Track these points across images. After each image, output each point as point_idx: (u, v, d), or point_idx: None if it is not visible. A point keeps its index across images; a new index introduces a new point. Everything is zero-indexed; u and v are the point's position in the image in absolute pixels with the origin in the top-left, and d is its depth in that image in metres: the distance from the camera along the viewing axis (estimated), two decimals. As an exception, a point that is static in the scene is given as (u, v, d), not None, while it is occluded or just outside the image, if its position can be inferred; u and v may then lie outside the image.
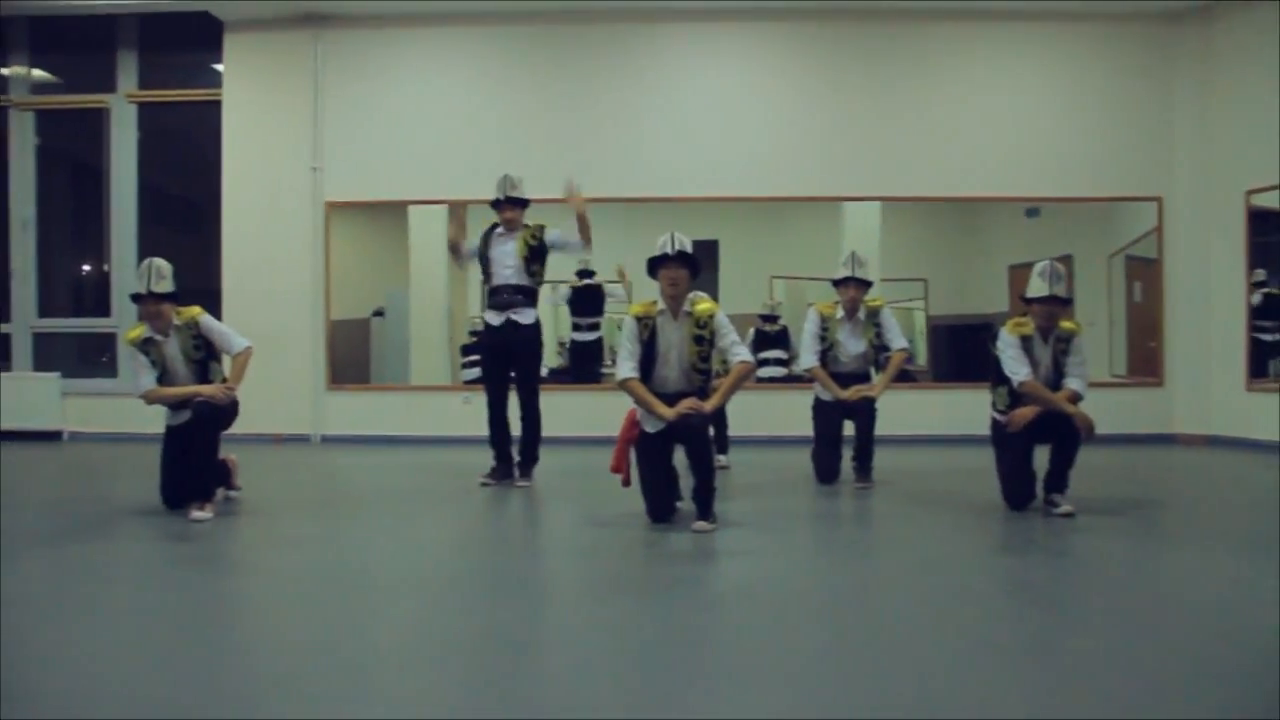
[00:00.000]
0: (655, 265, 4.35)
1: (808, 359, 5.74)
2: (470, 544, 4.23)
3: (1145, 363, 8.60)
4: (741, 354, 4.33)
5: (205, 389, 4.61)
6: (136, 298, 4.60)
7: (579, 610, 3.03)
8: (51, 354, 9.08)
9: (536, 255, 5.59)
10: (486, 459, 5.75)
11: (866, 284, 5.70)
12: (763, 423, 8.01)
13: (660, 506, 4.37)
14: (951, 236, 9.12)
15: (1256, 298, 7.92)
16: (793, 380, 8.40)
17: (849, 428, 5.68)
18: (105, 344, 9.17)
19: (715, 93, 8.59)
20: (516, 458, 5.69)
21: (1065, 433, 4.53)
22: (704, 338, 4.35)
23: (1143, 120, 8.49)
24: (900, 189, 8.48)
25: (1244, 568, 3.51)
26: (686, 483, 4.42)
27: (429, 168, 8.54)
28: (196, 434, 4.56)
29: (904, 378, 6.72)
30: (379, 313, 9.07)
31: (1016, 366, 4.55)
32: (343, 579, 3.41)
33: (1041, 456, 4.68)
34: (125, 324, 8.33)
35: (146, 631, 2.76)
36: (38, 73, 9.34)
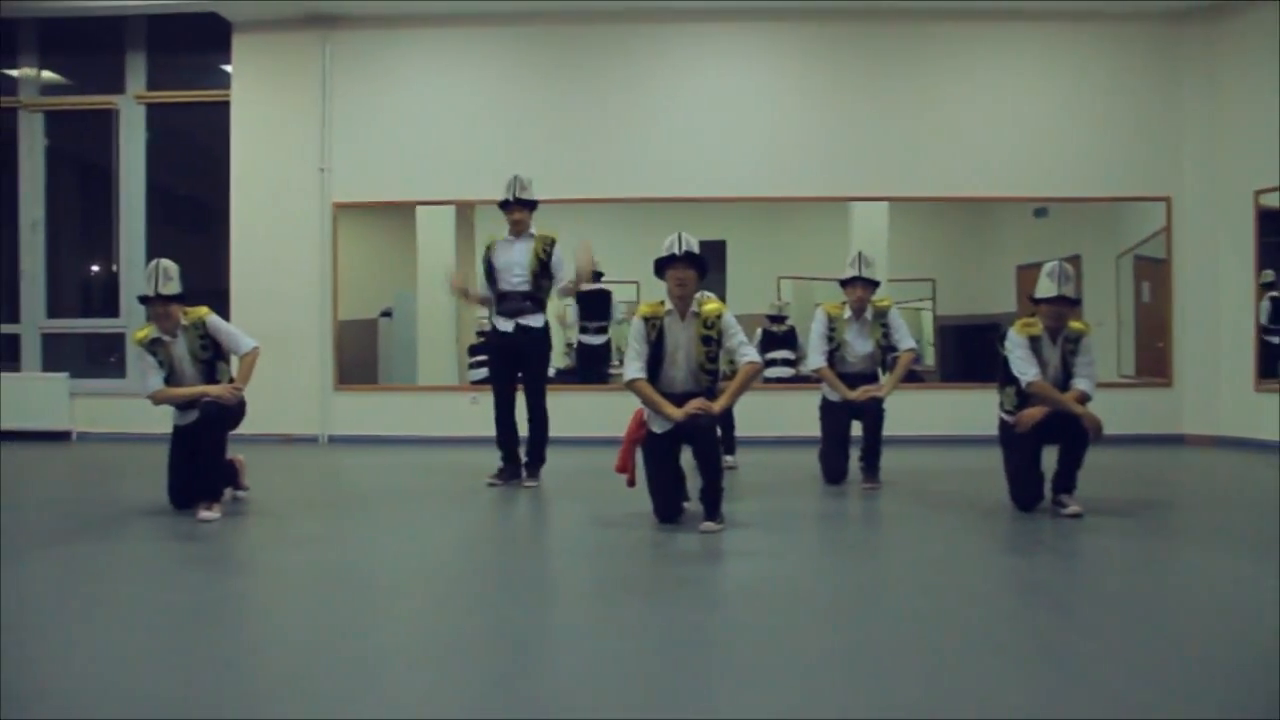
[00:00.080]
0: (663, 266, 4.35)
1: (815, 359, 5.72)
2: (477, 544, 4.23)
3: (1154, 363, 8.57)
4: (749, 354, 4.32)
5: (213, 389, 4.62)
6: (144, 300, 4.62)
7: (586, 610, 3.02)
8: (60, 354, 9.13)
9: (545, 270, 5.58)
10: (493, 459, 5.75)
11: (874, 284, 5.68)
12: (770, 423, 8.01)
13: (667, 507, 4.36)
14: (959, 237, 9.10)
15: (1265, 305, 7.88)
16: (800, 381, 8.39)
17: (857, 428, 5.66)
18: (114, 344, 9.20)
19: (723, 93, 8.59)
20: (524, 458, 5.69)
21: (1073, 433, 4.51)
22: (711, 338, 4.34)
23: (1151, 120, 8.47)
24: (908, 189, 8.46)
25: (1252, 569, 3.49)
26: (694, 483, 4.41)
27: (436, 168, 8.56)
28: (204, 434, 4.57)
29: (912, 378, 6.71)
30: (386, 313, 9.08)
31: (1025, 367, 4.53)
32: (350, 579, 3.41)
33: (1049, 457, 4.67)
34: (134, 324, 8.36)
35: (154, 631, 2.76)
36: (47, 74, 9.39)
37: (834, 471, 5.67)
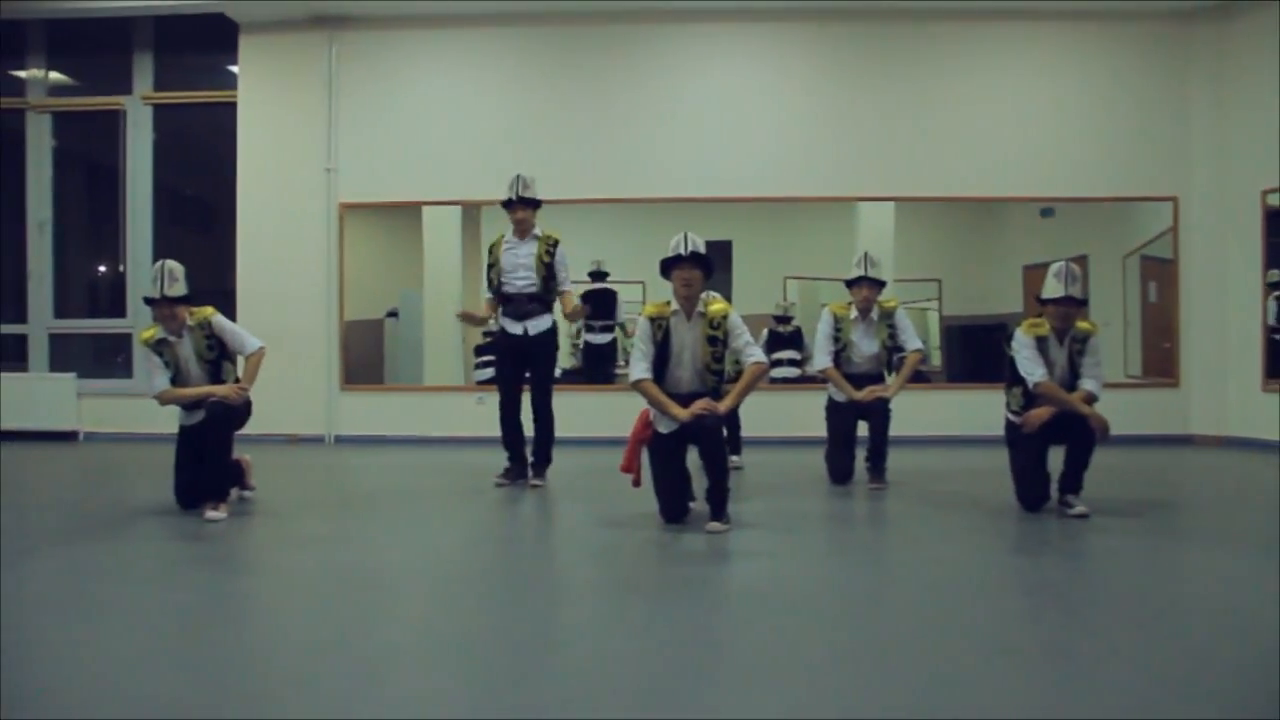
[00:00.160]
0: (668, 266, 4.35)
1: (821, 359, 5.72)
2: (484, 544, 4.24)
3: (1160, 363, 8.54)
4: (755, 355, 4.32)
5: (219, 389, 4.63)
6: (150, 301, 4.63)
7: (592, 610, 3.03)
8: (67, 355, 9.15)
9: (551, 272, 5.58)
10: (500, 459, 5.76)
11: (880, 284, 5.68)
12: (776, 423, 8.00)
13: (673, 507, 4.36)
14: (966, 237, 9.09)
15: (1272, 305, 7.86)
16: (806, 381, 8.38)
17: (863, 428, 5.66)
18: (121, 344, 9.23)
19: (728, 93, 8.58)
20: (530, 458, 5.70)
21: (1080, 433, 4.50)
22: (717, 338, 4.34)
23: (1158, 120, 8.44)
24: (914, 189, 8.44)
25: (1258, 569, 3.48)
26: (700, 483, 4.41)
27: (443, 169, 8.56)
28: (210, 434, 4.58)
29: (918, 378, 6.69)
30: (393, 313, 9.10)
31: (1032, 367, 4.52)
32: (356, 579, 3.42)
33: (1056, 457, 4.66)
34: (140, 325, 8.38)
35: (160, 631, 2.77)
36: (54, 75, 9.41)
37: (840, 472, 5.67)
